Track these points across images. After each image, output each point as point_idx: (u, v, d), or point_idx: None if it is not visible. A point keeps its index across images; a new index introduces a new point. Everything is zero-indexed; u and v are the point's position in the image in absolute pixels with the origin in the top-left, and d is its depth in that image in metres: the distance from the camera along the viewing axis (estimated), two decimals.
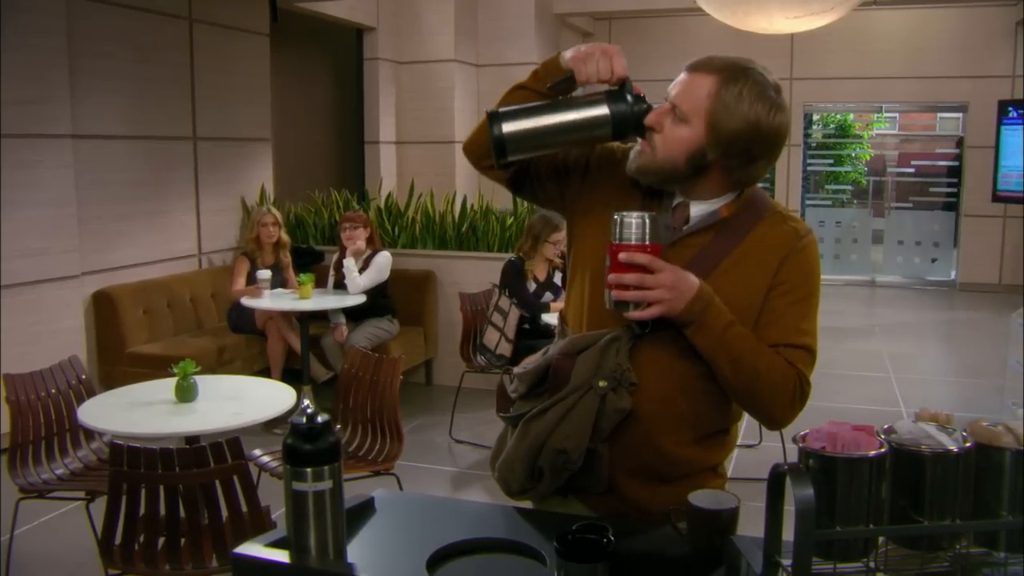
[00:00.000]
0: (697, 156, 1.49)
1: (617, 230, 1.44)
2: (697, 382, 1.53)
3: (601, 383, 1.50)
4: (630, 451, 1.55)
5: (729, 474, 4.65)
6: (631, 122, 1.51)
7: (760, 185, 1.64)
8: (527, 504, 1.68)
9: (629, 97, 1.51)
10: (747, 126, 1.46)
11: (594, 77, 1.51)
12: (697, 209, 1.56)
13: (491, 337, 4.88)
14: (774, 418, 1.54)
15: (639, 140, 1.54)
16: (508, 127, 1.51)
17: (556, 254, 4.98)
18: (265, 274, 5.25)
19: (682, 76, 1.51)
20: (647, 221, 1.43)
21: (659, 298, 1.43)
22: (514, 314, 4.83)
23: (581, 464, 1.53)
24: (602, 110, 1.50)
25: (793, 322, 1.52)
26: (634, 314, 1.45)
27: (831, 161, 13.69)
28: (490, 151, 1.54)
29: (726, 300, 1.48)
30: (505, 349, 4.84)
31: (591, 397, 1.51)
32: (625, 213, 1.44)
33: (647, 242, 1.43)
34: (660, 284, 1.42)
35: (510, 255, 5.29)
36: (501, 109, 1.54)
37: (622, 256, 1.42)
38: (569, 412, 1.52)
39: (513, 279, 5.03)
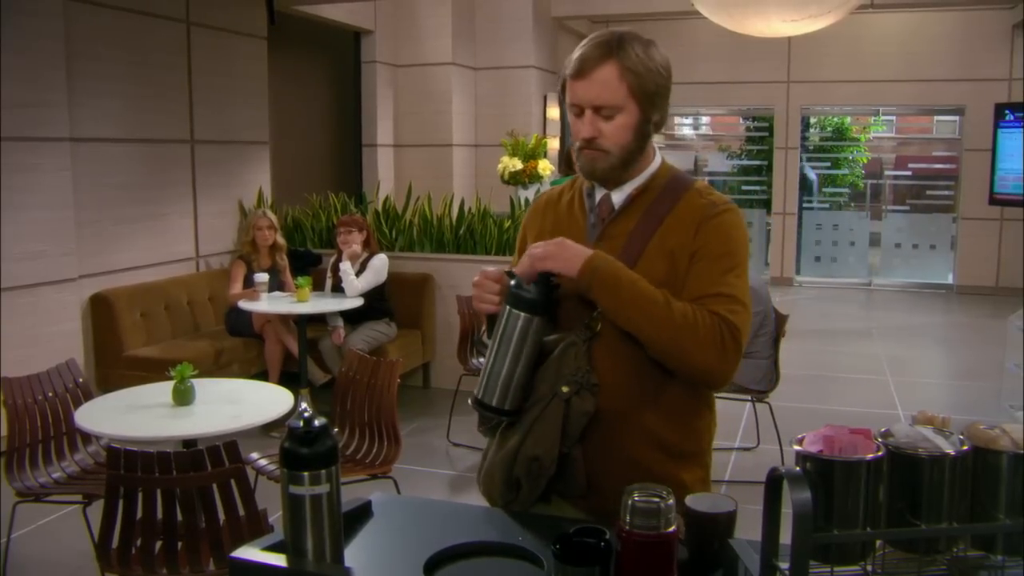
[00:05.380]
0: (643, 128, 1.58)
1: None
2: (657, 369, 1.56)
3: (564, 388, 1.55)
4: (603, 450, 1.58)
5: (726, 477, 4.65)
6: (545, 299, 1.56)
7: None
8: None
9: (525, 289, 1.55)
10: (661, 74, 1.58)
11: (493, 305, 1.61)
12: (618, 196, 1.63)
13: None
14: (707, 367, 1.51)
15: (580, 154, 1.60)
16: (491, 399, 1.58)
17: None
18: (262, 277, 5.24)
19: (578, 83, 1.56)
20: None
21: (545, 254, 1.52)
22: None
23: (555, 470, 1.56)
24: (520, 316, 1.56)
25: (711, 276, 1.55)
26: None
27: (828, 164, 13.69)
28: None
29: (656, 281, 1.53)
30: None
31: (556, 403, 1.55)
32: None
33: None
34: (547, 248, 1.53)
35: (509, 258, 5.27)
36: (475, 393, 1.61)
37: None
38: (537, 420, 1.56)
39: None
